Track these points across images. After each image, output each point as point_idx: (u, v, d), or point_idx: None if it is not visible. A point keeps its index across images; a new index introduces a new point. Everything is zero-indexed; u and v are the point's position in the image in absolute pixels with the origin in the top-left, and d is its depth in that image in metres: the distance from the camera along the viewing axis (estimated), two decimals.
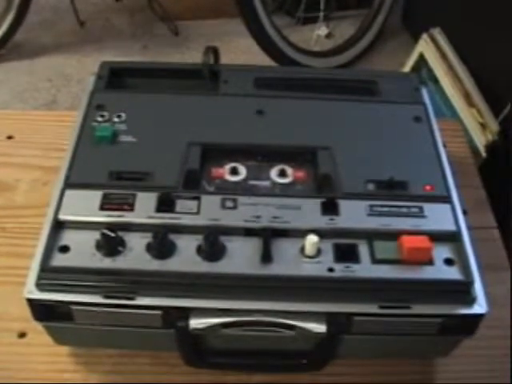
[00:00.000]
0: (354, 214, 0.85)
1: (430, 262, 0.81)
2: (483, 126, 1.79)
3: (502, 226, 1.09)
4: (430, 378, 0.92)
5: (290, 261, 0.80)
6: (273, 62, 2.42)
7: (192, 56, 2.57)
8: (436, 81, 2.01)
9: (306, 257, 0.80)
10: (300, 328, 0.78)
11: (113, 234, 0.78)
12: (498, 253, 1.05)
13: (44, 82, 2.52)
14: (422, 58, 2.11)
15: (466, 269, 0.80)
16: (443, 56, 2.01)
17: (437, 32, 2.07)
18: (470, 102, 1.86)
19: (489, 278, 0.83)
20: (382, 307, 0.78)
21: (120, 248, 0.80)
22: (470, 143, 1.48)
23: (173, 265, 0.79)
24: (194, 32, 2.75)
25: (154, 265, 0.79)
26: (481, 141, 1.77)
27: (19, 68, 2.57)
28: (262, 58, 2.42)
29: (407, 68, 2.19)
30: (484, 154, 1.76)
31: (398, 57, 2.51)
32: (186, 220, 0.83)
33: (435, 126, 0.99)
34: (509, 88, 1.76)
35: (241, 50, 2.59)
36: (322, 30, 2.74)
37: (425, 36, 2.09)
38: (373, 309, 0.78)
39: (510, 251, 1.06)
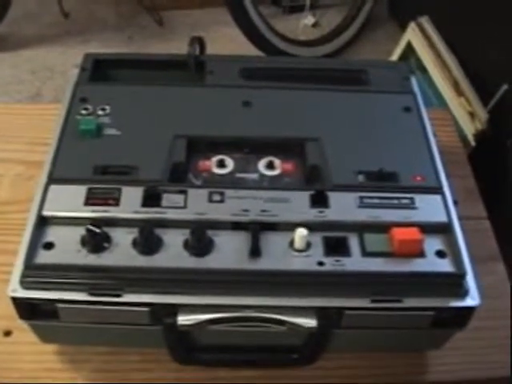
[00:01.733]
0: (343, 207, 0.84)
1: (422, 255, 0.80)
2: (472, 114, 1.78)
3: (492, 216, 1.08)
4: (423, 371, 0.91)
5: (278, 255, 0.79)
6: (259, 52, 2.41)
7: (177, 46, 2.54)
8: (424, 70, 2.00)
9: (296, 250, 0.79)
10: (290, 323, 0.77)
11: (98, 230, 0.77)
12: (488, 243, 1.04)
13: (28, 75, 2.50)
14: (409, 47, 2.10)
15: (457, 261, 0.80)
16: (431, 45, 2.00)
17: (424, 20, 2.06)
18: (458, 91, 1.85)
19: (480, 268, 0.82)
20: (373, 301, 0.77)
21: (105, 244, 0.78)
22: (459, 132, 1.47)
23: (159, 260, 0.77)
24: (180, 22, 2.73)
25: (141, 261, 0.77)
26: (470, 130, 1.77)
27: (3, 61, 2.55)
28: (248, 48, 2.41)
29: (395, 57, 2.18)
30: (473, 143, 1.76)
31: (385, 46, 2.50)
32: (173, 214, 0.81)
33: (425, 116, 0.98)
34: (497, 76, 1.75)
35: (227, 40, 2.57)
36: (309, 19, 2.73)
37: (412, 24, 2.08)
38: (364, 303, 0.77)
39: (500, 241, 1.05)
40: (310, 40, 2.62)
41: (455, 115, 1.77)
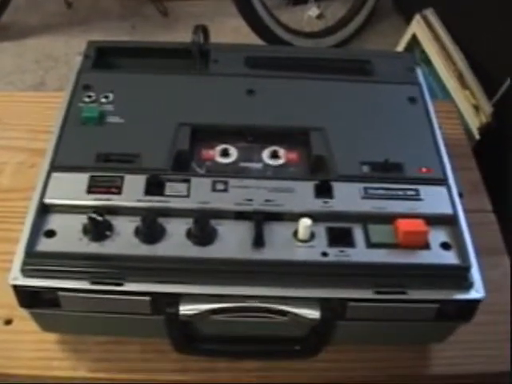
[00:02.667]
0: (348, 197, 0.83)
1: (427, 246, 0.79)
2: (477, 107, 1.78)
3: (496, 209, 1.08)
4: (426, 364, 0.91)
5: (282, 245, 0.78)
6: (263, 43, 2.40)
7: (181, 37, 2.51)
8: (429, 62, 1.99)
9: (299, 241, 0.79)
10: (293, 314, 0.76)
11: (100, 218, 0.77)
12: (493, 236, 1.04)
13: (31, 64, 2.49)
14: (414, 40, 2.09)
15: (462, 253, 0.79)
16: (436, 37, 1.99)
17: (429, 13, 2.04)
18: (463, 84, 1.84)
19: (484, 262, 0.81)
20: (377, 292, 0.77)
21: (107, 232, 0.78)
22: (464, 125, 1.46)
23: (162, 249, 0.77)
24: (184, 12, 2.72)
25: (143, 249, 0.77)
26: (474, 123, 1.76)
27: (6, 50, 2.54)
28: (252, 39, 2.40)
29: (399, 49, 2.17)
30: (477, 136, 1.75)
31: (390, 38, 2.49)
32: (176, 203, 0.81)
33: (431, 107, 0.97)
34: (502, 69, 1.74)
35: (231, 31, 2.56)
36: (313, 11, 2.71)
37: (417, 17, 2.07)
38: (368, 294, 0.77)
39: (504, 234, 1.04)
40: (315, 32, 2.60)
41: (460, 108, 1.76)
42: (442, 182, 0.86)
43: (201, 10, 2.72)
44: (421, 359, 0.91)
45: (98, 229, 0.77)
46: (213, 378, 0.87)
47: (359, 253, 0.78)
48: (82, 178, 0.83)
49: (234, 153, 0.89)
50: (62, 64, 2.47)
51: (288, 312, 0.76)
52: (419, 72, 1.04)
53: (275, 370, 0.88)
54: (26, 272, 0.75)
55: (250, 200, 0.81)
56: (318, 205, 0.82)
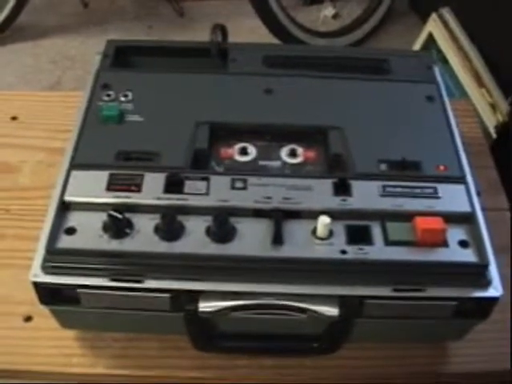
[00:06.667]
0: (366, 195, 0.83)
1: (445, 244, 0.79)
2: (493, 106, 1.77)
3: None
4: (443, 361, 0.91)
5: (301, 243, 0.78)
6: (279, 43, 2.40)
7: (197, 37, 2.51)
8: (445, 61, 1.98)
9: (318, 238, 0.79)
10: (312, 311, 0.77)
11: (120, 216, 0.77)
12: (510, 234, 1.03)
13: (48, 64, 2.50)
14: (431, 38, 2.09)
15: (480, 251, 0.79)
16: (452, 36, 1.98)
17: (446, 11, 2.04)
18: (479, 83, 1.84)
19: (501, 260, 0.81)
20: (395, 290, 0.77)
21: (127, 230, 0.78)
22: (480, 124, 1.46)
23: (181, 247, 0.77)
24: (200, 12, 2.73)
25: (162, 247, 0.77)
26: (491, 121, 1.76)
27: (23, 50, 2.56)
28: (268, 39, 2.40)
29: (416, 48, 2.17)
30: (494, 135, 1.74)
31: (406, 38, 2.48)
32: (195, 201, 0.81)
33: (448, 106, 0.97)
34: None
35: (248, 31, 2.56)
36: (329, 11, 2.72)
37: (434, 16, 2.07)
38: (386, 292, 0.77)
39: None
40: (330, 31, 2.61)
41: (476, 107, 1.76)
42: (460, 180, 0.86)
43: (217, 10, 2.73)
44: (438, 357, 0.91)
45: (117, 226, 0.78)
46: (231, 374, 0.88)
47: (377, 250, 0.78)
48: (102, 176, 0.83)
49: (252, 151, 0.90)
50: (79, 64, 2.48)
51: (306, 309, 0.77)
52: (437, 71, 1.04)
53: (293, 367, 0.88)
54: (46, 269, 0.76)
55: (269, 198, 0.82)
56: (336, 203, 0.82)
